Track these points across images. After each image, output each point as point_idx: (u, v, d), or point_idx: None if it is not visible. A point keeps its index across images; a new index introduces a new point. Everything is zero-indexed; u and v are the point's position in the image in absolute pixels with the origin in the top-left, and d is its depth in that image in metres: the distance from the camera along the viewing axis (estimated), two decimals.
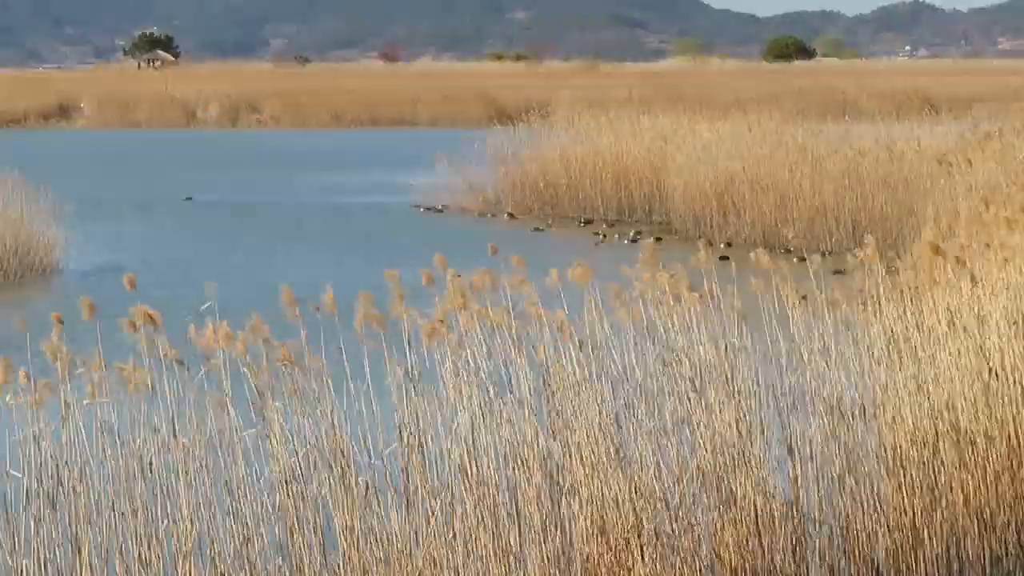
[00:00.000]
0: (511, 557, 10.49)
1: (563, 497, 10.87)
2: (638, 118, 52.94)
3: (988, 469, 12.82)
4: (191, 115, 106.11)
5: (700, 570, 11.07)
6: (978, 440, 12.76)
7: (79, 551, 10.17)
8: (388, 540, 10.16)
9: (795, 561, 11.62)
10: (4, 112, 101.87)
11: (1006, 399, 12.89)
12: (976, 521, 12.80)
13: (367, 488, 10.19)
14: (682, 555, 11.23)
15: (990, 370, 12.78)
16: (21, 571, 10.18)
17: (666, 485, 10.99)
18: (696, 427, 11.23)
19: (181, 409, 9.91)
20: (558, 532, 10.59)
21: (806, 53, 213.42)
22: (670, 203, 42.03)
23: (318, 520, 10.19)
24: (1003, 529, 13.03)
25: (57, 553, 10.15)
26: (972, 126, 44.25)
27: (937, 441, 12.61)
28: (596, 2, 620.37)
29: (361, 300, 10.41)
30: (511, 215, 44.52)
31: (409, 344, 10.63)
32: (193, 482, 9.92)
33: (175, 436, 9.87)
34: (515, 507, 10.61)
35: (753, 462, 11.30)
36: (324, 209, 46.98)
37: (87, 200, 41.62)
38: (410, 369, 10.62)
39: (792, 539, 11.63)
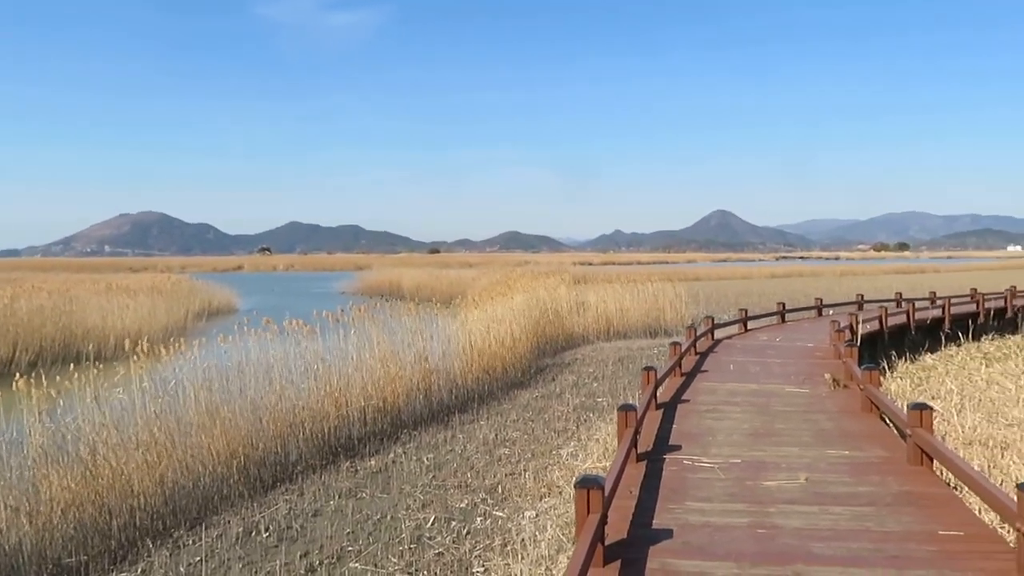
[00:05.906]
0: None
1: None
2: (397, 268, 47.01)
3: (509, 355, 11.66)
4: (275, 267, 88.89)
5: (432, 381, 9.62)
6: (495, 349, 11.63)
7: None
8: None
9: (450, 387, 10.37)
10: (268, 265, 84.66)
11: (495, 338, 11.97)
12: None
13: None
14: (436, 378, 9.95)
15: (488, 329, 12.24)
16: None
17: (432, 356, 10.03)
18: (430, 338, 10.56)
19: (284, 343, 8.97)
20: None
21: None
22: (406, 291, 34.57)
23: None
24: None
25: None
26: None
27: (494, 350, 11.65)
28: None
29: (317, 314, 9.94)
30: (366, 296, 38.15)
31: (338, 322, 9.93)
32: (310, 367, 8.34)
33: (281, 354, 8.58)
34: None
35: (427, 355, 10.28)
36: (310, 293, 41.21)
37: (247, 290, 38.91)
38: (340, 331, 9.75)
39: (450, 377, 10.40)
